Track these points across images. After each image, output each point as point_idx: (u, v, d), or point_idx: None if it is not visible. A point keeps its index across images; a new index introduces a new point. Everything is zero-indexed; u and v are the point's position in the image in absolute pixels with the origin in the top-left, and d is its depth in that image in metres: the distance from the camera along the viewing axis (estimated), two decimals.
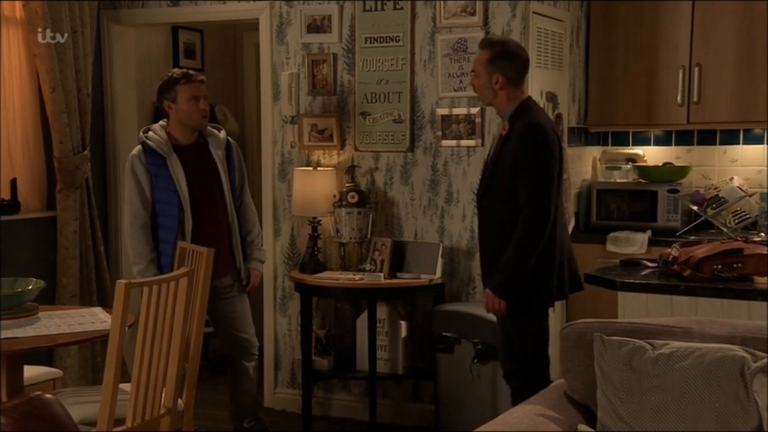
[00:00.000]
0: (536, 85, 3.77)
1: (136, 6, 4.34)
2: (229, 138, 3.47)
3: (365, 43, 3.90)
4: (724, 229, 3.90)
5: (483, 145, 3.73)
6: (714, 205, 3.96)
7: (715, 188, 4.09)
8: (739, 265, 2.59)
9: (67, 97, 3.99)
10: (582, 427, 1.92)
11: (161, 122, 3.36)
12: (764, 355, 1.87)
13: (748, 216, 3.94)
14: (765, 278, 2.58)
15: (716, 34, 3.99)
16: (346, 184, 3.90)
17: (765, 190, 4.07)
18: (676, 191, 4.12)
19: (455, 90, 3.76)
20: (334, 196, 3.85)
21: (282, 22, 4.06)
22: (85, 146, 4.14)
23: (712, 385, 1.87)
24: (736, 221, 3.93)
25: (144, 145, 3.26)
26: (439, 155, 3.84)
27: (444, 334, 3.61)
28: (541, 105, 3.86)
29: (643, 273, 2.83)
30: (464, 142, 3.77)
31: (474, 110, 3.73)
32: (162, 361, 2.28)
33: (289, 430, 3.91)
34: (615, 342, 2.01)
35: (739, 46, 3.95)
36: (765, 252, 2.65)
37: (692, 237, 3.84)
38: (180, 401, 2.72)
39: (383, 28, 3.85)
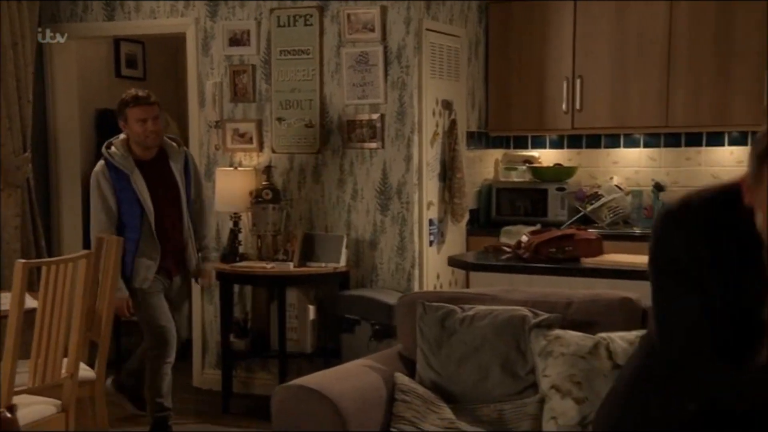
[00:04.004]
0: (431, 94, 4.22)
1: (74, 20, 4.73)
2: (186, 150, 3.75)
3: (280, 55, 4.33)
4: (600, 223, 4.37)
5: (383, 147, 4.16)
6: (592, 201, 4.43)
7: (597, 186, 4.57)
8: (570, 248, 3.04)
9: (8, 103, 4.37)
10: (397, 374, 2.35)
11: (122, 136, 3.59)
12: (544, 314, 2.32)
13: (621, 211, 4.41)
14: (591, 259, 3.04)
15: (594, 51, 4.47)
16: (263, 183, 4.32)
17: (640, 188, 4.55)
18: (563, 189, 4.58)
19: (359, 98, 4.19)
20: (251, 193, 4.26)
21: (206, 36, 4.48)
22: (26, 148, 4.52)
23: (500, 339, 2.31)
24: (612, 216, 4.40)
25: (107, 162, 3.50)
26: (346, 156, 4.27)
27: (347, 316, 4.04)
28: (437, 112, 4.32)
29: (502, 257, 3.28)
30: (367, 145, 4.20)
31: (375, 116, 4.17)
32: (62, 332, 2.66)
33: (211, 408, 4.29)
34: (434, 307, 2.44)
35: (613, 62, 4.43)
36: (593, 237, 3.11)
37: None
38: (92, 372, 3.12)
39: (295, 42, 4.28)
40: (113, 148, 3.52)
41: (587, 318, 2.30)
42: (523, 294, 2.45)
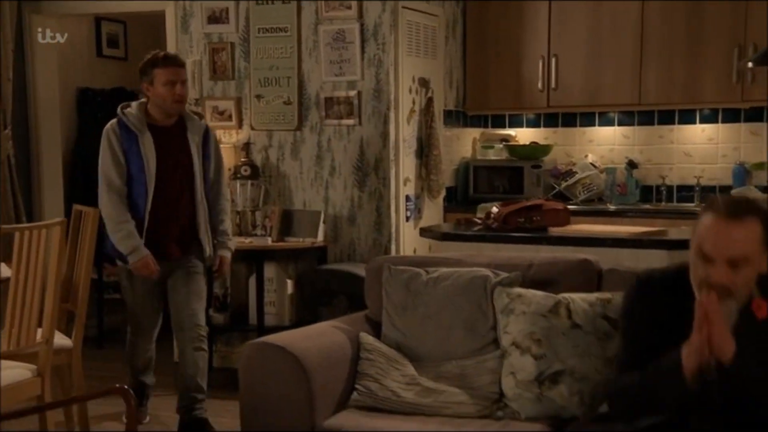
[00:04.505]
0: (408, 72, 4.27)
1: None
2: (209, 126, 3.46)
3: (258, 33, 4.36)
4: (574, 199, 4.44)
5: (360, 123, 4.22)
6: (567, 178, 4.50)
7: (572, 164, 4.64)
8: (539, 218, 3.11)
9: None
10: (363, 334, 2.41)
11: (142, 99, 3.34)
12: (506, 274, 2.39)
13: (595, 188, 4.49)
14: (558, 228, 3.11)
15: (569, 29, 4.54)
16: (242, 160, 4.37)
17: (614, 166, 4.63)
18: (539, 167, 4.65)
19: (336, 75, 4.24)
20: (230, 169, 4.31)
21: (186, 14, 4.51)
22: (6, 126, 4.55)
23: (463, 298, 2.37)
24: (585, 192, 4.48)
25: (119, 120, 3.26)
26: (324, 133, 4.32)
27: (324, 290, 4.11)
28: (414, 89, 4.37)
29: (474, 228, 3.34)
30: (344, 121, 4.25)
31: (352, 93, 4.22)
32: (36, 298, 2.69)
33: None
34: (399, 270, 2.51)
35: (588, 40, 4.50)
36: (560, 208, 3.18)
37: None
38: (69, 340, 3.17)
39: (274, 19, 4.32)
40: (129, 109, 3.28)
41: (547, 278, 2.37)
42: (486, 258, 2.52)
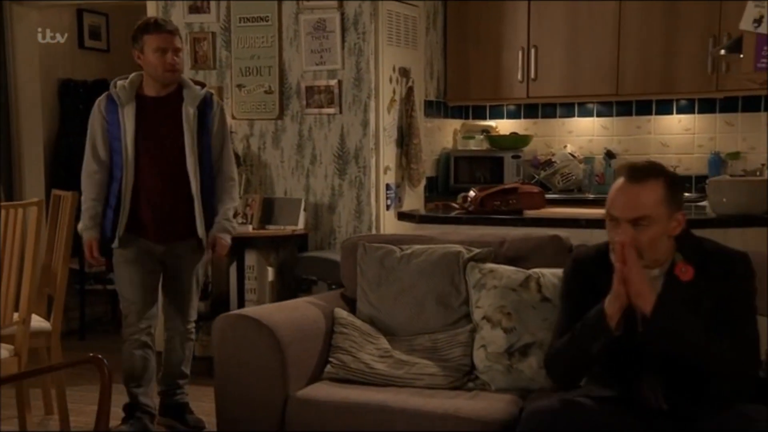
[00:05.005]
0: (388, 61, 4.30)
1: None
2: (216, 99, 3.18)
3: (240, 22, 4.39)
4: (553, 189, 4.49)
5: (341, 112, 4.25)
6: (546, 168, 4.55)
7: (552, 154, 4.69)
8: (514, 201, 3.15)
9: None
10: (337, 309, 2.44)
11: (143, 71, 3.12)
12: (478, 250, 2.42)
13: (573, 177, 4.54)
14: (534, 211, 3.15)
15: (548, 20, 4.59)
16: None
17: (593, 156, 4.68)
18: (519, 157, 4.70)
19: (316, 64, 4.27)
20: None
21: (167, 4, 4.53)
22: None
23: (435, 273, 2.41)
24: (564, 182, 4.52)
25: (109, 93, 3.08)
26: (305, 122, 4.35)
27: (304, 277, 4.13)
28: (395, 79, 4.41)
29: (453, 212, 3.37)
30: (325, 110, 4.28)
31: (332, 82, 4.25)
32: (13, 278, 2.69)
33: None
34: (374, 247, 2.54)
35: (567, 31, 4.55)
36: (536, 191, 3.22)
37: None
38: (48, 323, 3.18)
39: (255, 9, 4.35)
40: (122, 81, 3.08)
41: (519, 254, 2.41)
42: (460, 235, 2.56)
